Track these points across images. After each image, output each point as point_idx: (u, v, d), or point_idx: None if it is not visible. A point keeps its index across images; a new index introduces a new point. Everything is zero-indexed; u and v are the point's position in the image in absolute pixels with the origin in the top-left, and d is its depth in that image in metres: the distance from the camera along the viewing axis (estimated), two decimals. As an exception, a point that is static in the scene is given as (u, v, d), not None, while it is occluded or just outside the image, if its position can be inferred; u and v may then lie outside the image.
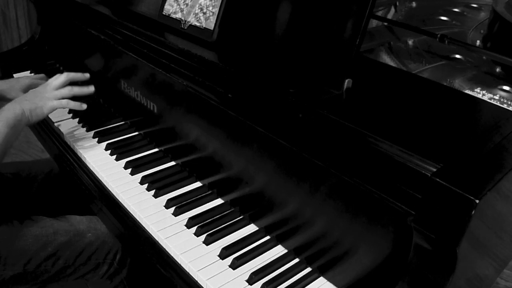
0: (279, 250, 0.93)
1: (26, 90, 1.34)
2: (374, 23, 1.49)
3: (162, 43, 1.12)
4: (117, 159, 1.17)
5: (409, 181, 0.68)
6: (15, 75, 1.57)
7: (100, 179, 1.12)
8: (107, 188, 1.09)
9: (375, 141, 0.73)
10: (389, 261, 0.74)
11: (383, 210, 0.72)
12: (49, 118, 1.35)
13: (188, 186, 1.09)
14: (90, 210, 1.16)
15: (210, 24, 1.07)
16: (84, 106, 1.19)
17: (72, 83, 1.20)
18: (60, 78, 1.18)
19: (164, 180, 1.09)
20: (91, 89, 1.21)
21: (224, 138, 1.00)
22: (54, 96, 1.15)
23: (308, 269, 0.89)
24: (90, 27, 1.36)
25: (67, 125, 1.30)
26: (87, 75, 1.23)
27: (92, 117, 1.32)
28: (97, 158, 1.17)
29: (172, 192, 1.06)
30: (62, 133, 1.28)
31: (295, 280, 0.86)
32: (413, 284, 0.68)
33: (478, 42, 1.40)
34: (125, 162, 1.15)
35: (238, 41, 1.06)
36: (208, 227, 0.95)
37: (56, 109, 1.16)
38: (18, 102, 1.11)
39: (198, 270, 0.86)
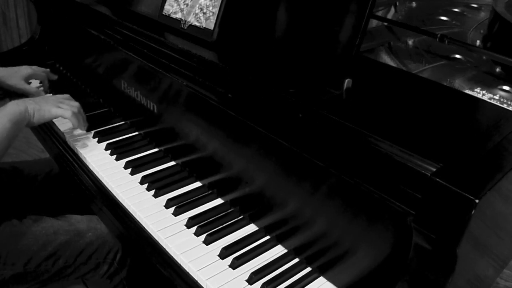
0: (279, 250, 0.93)
1: (27, 79, 1.41)
2: (374, 23, 1.49)
3: (162, 43, 1.12)
4: (117, 159, 1.17)
5: (409, 181, 0.68)
6: None
7: (100, 179, 1.12)
8: (107, 188, 1.09)
9: (375, 141, 0.73)
10: (389, 261, 0.74)
11: (383, 210, 0.72)
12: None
13: (188, 186, 1.09)
14: (90, 210, 1.16)
15: (210, 24, 1.07)
16: (85, 127, 1.23)
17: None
18: (72, 101, 1.21)
19: (164, 180, 1.09)
20: (85, 127, 1.24)
21: (224, 138, 1.00)
22: (60, 105, 1.17)
23: (308, 269, 0.89)
24: (90, 27, 1.36)
25: (67, 125, 1.30)
26: (84, 129, 1.25)
27: (92, 117, 1.32)
28: (97, 158, 1.17)
29: (172, 192, 1.06)
30: (62, 133, 1.28)
31: (295, 280, 0.86)
32: (413, 284, 0.67)
33: (478, 42, 1.40)
34: (125, 162, 1.15)
35: (238, 41, 1.06)
36: (208, 227, 0.95)
37: (59, 117, 1.17)
38: (23, 100, 1.13)
39: (198, 270, 0.86)
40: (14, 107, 1.09)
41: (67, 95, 1.25)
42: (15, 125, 1.06)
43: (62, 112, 1.16)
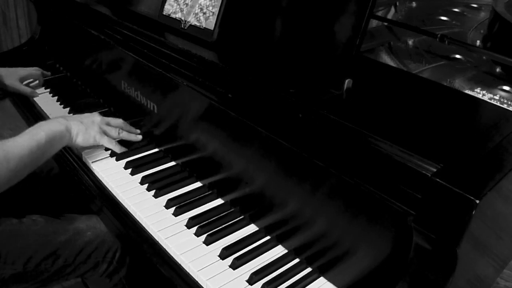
0: (279, 250, 0.93)
1: (23, 80, 1.49)
2: (374, 23, 1.49)
3: (162, 43, 1.12)
4: (117, 160, 1.16)
5: (409, 181, 0.68)
6: None
7: (100, 179, 1.12)
8: (107, 188, 1.09)
9: (375, 141, 0.73)
10: (389, 261, 0.74)
11: (383, 210, 0.72)
12: (49, 118, 1.35)
13: (188, 186, 1.09)
14: (90, 210, 1.16)
15: (210, 24, 1.07)
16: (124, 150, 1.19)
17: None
18: (117, 121, 1.19)
19: (164, 180, 1.09)
20: (138, 137, 1.22)
21: (224, 138, 1.00)
22: (104, 131, 1.15)
23: (308, 269, 0.89)
24: (90, 27, 1.36)
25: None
26: (140, 137, 1.22)
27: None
28: (97, 158, 1.17)
29: (172, 192, 1.06)
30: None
31: (295, 280, 0.86)
32: (413, 284, 0.67)
33: (478, 42, 1.40)
34: (125, 162, 1.15)
35: (238, 41, 1.06)
36: (208, 227, 0.95)
37: (101, 144, 1.15)
38: (69, 119, 1.11)
39: (198, 270, 0.86)
40: (56, 124, 1.06)
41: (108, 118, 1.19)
42: (50, 142, 1.03)
43: (107, 143, 1.15)
